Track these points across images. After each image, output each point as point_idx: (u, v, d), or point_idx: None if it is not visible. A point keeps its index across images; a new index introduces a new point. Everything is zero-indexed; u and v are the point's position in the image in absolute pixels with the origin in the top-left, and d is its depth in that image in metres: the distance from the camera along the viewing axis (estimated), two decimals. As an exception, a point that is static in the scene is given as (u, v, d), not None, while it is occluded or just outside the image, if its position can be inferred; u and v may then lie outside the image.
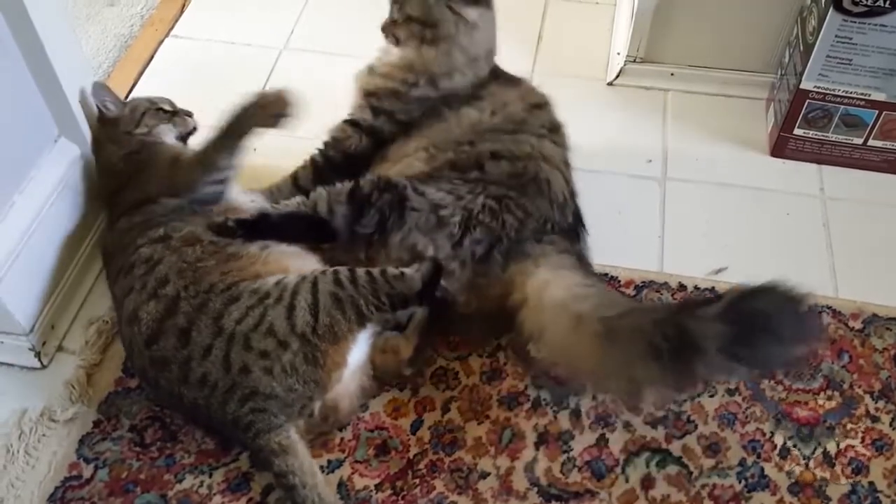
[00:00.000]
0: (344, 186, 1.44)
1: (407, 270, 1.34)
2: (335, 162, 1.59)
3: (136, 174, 1.46)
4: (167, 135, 1.53)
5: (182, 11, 2.18)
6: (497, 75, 1.61)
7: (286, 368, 1.25)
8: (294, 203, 1.45)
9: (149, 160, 1.48)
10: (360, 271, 1.32)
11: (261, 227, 1.40)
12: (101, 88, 1.52)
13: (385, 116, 1.57)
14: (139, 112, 1.52)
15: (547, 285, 1.33)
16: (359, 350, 1.32)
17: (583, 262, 1.45)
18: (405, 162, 1.52)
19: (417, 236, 1.39)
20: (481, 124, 1.51)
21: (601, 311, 1.26)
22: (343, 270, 1.32)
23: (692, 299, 1.51)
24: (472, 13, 1.52)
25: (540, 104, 1.57)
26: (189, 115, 1.58)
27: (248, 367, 1.24)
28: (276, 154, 1.62)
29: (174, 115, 1.56)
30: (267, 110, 1.41)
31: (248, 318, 1.26)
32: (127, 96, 1.94)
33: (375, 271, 1.33)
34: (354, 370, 1.33)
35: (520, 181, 1.45)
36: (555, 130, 1.54)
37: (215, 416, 1.27)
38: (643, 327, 1.20)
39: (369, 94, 1.59)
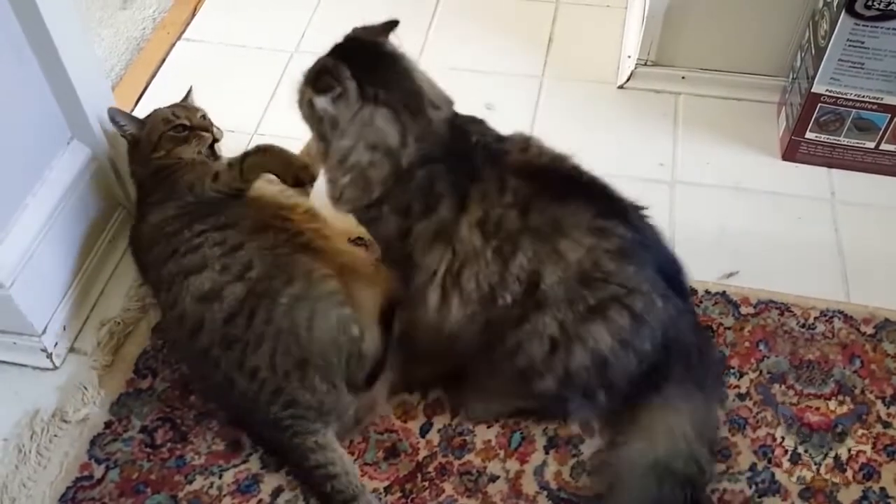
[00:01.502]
0: None
1: None
2: None
3: (164, 182, 1.47)
4: (185, 154, 1.51)
5: (194, 14, 2.19)
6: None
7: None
8: None
9: (175, 172, 1.48)
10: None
11: None
12: (116, 113, 1.52)
13: None
14: (156, 135, 1.51)
15: None
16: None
17: None
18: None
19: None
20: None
21: None
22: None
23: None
24: (320, 101, 1.28)
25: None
26: (205, 129, 1.54)
27: (290, 375, 1.27)
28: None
29: (191, 132, 1.52)
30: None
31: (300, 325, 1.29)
32: (139, 99, 1.96)
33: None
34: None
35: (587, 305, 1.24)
36: (555, 229, 1.25)
37: (260, 411, 1.29)
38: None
39: None
